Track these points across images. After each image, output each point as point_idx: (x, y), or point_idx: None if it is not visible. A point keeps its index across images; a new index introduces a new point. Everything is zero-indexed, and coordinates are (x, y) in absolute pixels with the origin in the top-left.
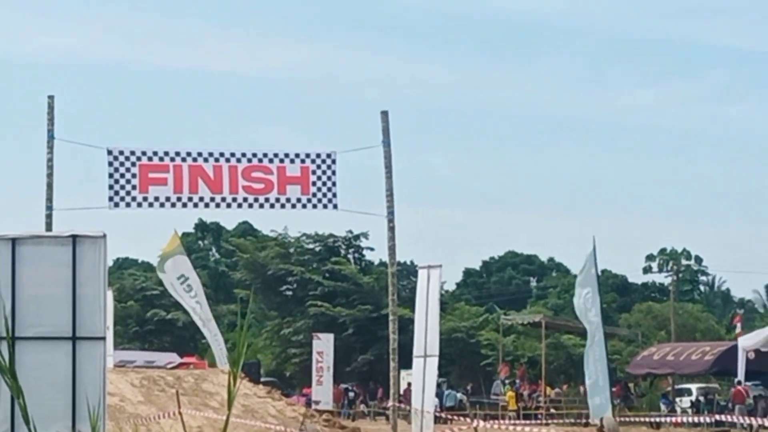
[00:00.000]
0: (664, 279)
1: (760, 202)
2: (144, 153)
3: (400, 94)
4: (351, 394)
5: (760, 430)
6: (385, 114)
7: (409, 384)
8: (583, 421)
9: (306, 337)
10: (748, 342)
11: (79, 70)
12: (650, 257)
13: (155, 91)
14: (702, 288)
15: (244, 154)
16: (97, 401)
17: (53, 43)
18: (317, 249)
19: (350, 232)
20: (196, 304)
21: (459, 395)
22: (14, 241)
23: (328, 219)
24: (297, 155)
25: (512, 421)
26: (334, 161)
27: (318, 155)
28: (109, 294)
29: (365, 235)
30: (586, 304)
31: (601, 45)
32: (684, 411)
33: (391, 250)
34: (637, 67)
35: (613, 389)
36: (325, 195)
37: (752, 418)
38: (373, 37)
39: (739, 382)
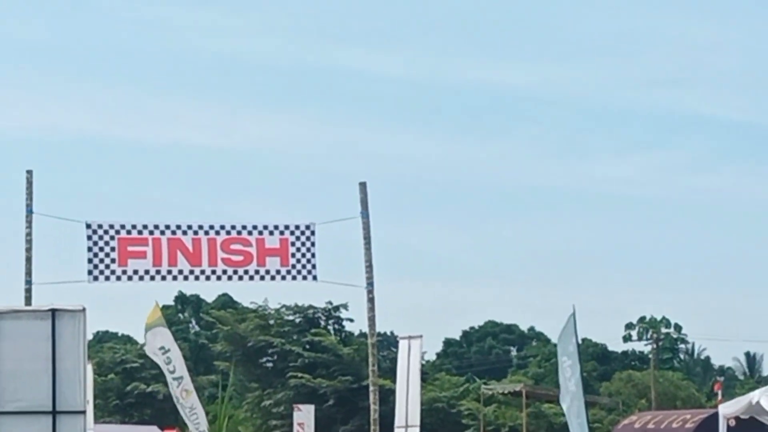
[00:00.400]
0: (644, 347)
1: (740, 271)
2: (123, 226)
3: (378, 166)
4: None
5: None
6: (363, 185)
7: None
8: None
9: (287, 408)
10: (728, 409)
11: (57, 144)
12: (630, 326)
13: (133, 165)
14: (682, 356)
15: (222, 227)
16: None
17: (31, 118)
18: (297, 320)
19: (330, 303)
20: (176, 378)
21: None
22: None
23: (308, 290)
24: (276, 227)
25: None
26: (313, 233)
27: (297, 227)
28: (89, 367)
29: (345, 307)
30: (565, 373)
31: (578, 115)
32: None
33: (371, 321)
34: (614, 137)
35: None
36: (304, 266)
37: None
38: (350, 108)
39: None
